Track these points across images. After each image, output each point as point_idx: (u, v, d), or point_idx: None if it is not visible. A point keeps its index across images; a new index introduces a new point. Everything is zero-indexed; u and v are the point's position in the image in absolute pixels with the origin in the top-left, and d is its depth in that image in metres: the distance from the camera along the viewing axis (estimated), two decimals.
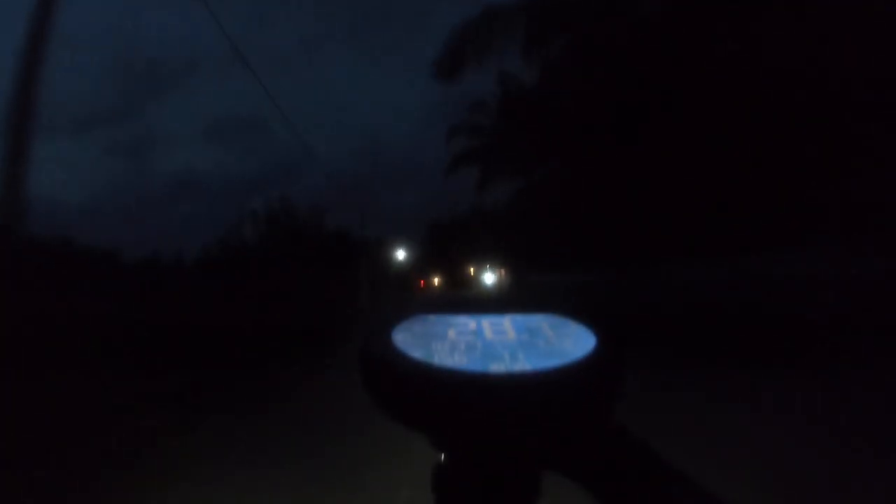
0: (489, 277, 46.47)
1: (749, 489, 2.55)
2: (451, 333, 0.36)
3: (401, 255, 39.36)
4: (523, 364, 0.32)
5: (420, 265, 73.24)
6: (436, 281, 71.46)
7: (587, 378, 0.32)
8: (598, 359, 0.33)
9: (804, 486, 2.61)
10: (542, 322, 0.39)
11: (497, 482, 0.32)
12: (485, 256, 49.88)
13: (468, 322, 0.38)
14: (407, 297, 35.06)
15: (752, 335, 7.37)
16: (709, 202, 9.29)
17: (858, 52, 6.95)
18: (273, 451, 3.57)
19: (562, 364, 0.32)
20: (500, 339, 0.36)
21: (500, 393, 0.30)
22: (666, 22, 9.50)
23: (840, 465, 2.83)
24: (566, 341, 0.35)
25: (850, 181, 7.47)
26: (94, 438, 3.92)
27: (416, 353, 0.32)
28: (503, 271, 40.92)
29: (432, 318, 0.39)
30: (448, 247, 69.73)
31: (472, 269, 61.65)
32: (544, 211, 16.36)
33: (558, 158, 14.97)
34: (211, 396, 5.51)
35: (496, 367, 0.31)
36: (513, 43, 12.06)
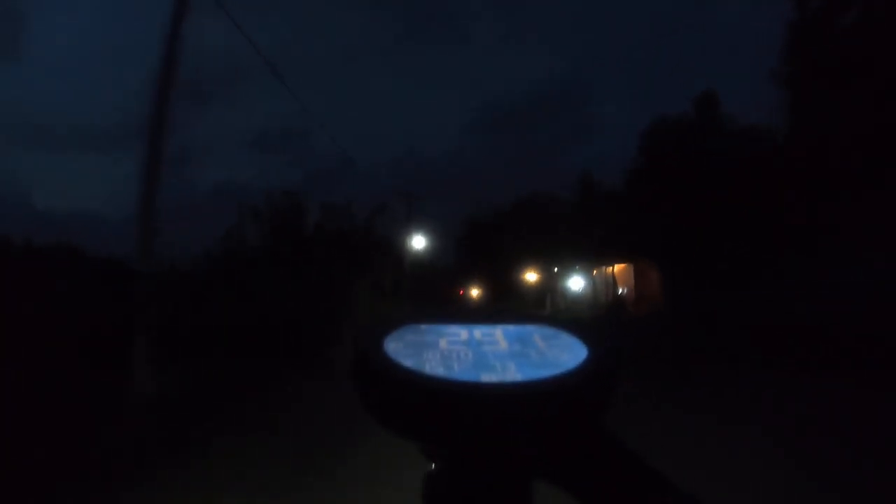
0: (577, 283, 29.77)
1: None
2: (443, 343, 0.36)
3: (419, 243, 25.08)
4: (514, 374, 0.32)
5: (457, 272, 58.23)
6: (474, 292, 55.21)
7: (578, 389, 0.32)
8: (589, 370, 0.33)
9: None
10: (533, 333, 0.39)
11: (488, 491, 0.32)
12: (564, 254, 33.79)
13: (460, 332, 0.38)
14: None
15: None
16: None
17: None
18: None
19: (553, 375, 0.32)
20: (491, 349, 0.36)
21: (491, 403, 0.30)
22: None
23: None
24: (558, 352, 0.35)
25: None
26: None
27: (408, 362, 0.32)
28: (619, 274, 24.15)
29: (424, 327, 0.39)
30: (492, 248, 54.35)
31: (530, 275, 45.11)
32: None
33: None
34: None
35: (487, 377, 0.32)
36: None
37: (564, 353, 0.35)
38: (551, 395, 0.31)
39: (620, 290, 24.96)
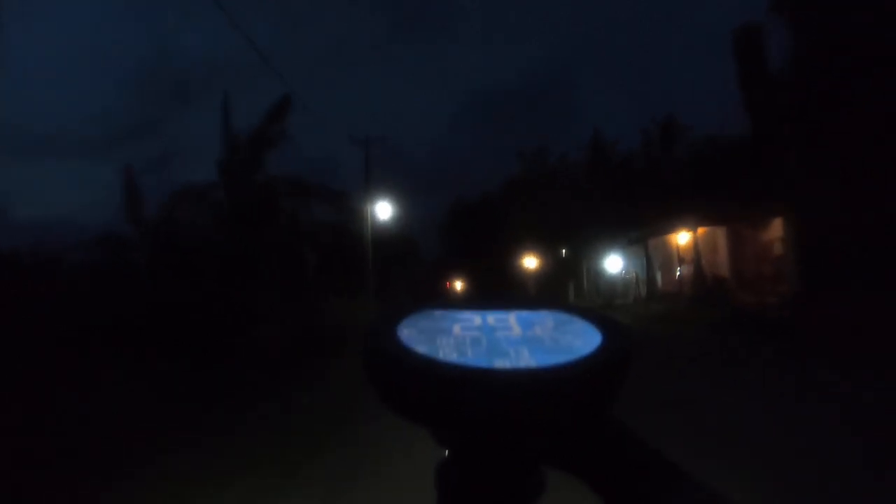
0: (615, 263, 21.10)
1: None
2: (457, 329, 0.36)
3: (384, 211, 16.70)
4: (528, 360, 0.32)
5: (442, 263, 49.64)
6: (459, 285, 47.40)
7: (592, 375, 0.32)
8: (603, 356, 0.33)
9: None
10: (547, 318, 0.38)
11: (500, 478, 0.32)
12: (585, 229, 25.45)
13: (473, 317, 0.38)
14: None
15: None
16: None
17: None
18: None
19: (567, 361, 0.32)
20: (505, 334, 0.36)
21: (505, 389, 0.30)
22: None
23: None
24: (571, 338, 0.35)
25: None
26: None
27: (421, 348, 0.33)
28: None
29: (438, 313, 0.39)
30: (482, 234, 46.40)
31: (529, 261, 37.12)
32: None
33: None
34: None
35: (501, 363, 0.32)
36: None
37: (578, 340, 0.34)
38: (564, 381, 0.31)
39: (682, 269, 16.54)
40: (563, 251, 33.49)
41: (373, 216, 15.55)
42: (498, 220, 41.17)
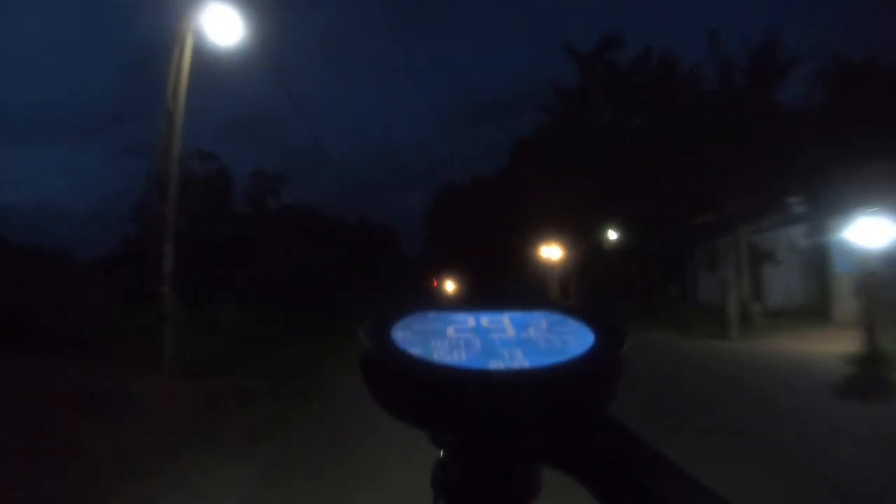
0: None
1: None
2: (451, 331, 0.36)
3: (225, 28, 6.03)
4: (522, 361, 0.32)
5: (426, 260, 44.32)
6: (450, 286, 38.98)
7: (586, 375, 0.32)
8: (596, 356, 0.33)
9: None
10: (540, 319, 0.39)
11: (496, 478, 0.33)
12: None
13: (467, 319, 0.38)
14: None
15: None
16: None
17: None
18: None
19: (560, 361, 0.32)
20: (499, 336, 0.36)
21: (499, 390, 0.31)
22: None
23: None
24: (565, 338, 0.35)
25: None
26: None
27: (416, 351, 0.33)
28: None
29: (432, 315, 0.39)
30: (482, 217, 36.70)
31: (550, 251, 26.42)
32: None
33: None
34: None
35: (495, 365, 0.32)
36: None
37: (571, 340, 0.35)
38: (558, 381, 0.31)
39: None
40: (613, 233, 22.53)
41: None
42: (505, 196, 30.31)
